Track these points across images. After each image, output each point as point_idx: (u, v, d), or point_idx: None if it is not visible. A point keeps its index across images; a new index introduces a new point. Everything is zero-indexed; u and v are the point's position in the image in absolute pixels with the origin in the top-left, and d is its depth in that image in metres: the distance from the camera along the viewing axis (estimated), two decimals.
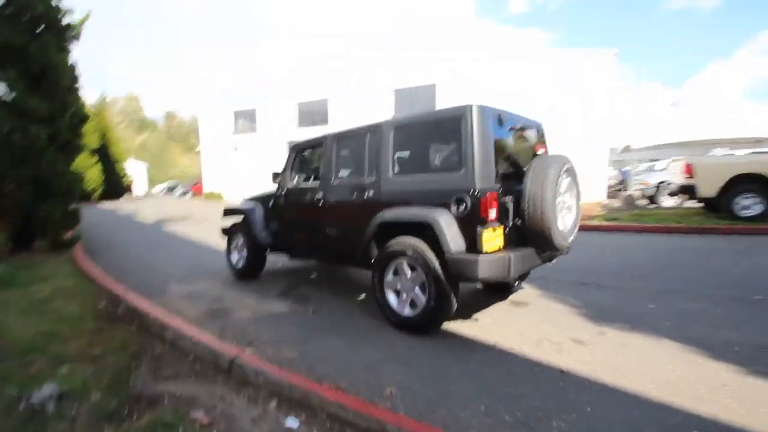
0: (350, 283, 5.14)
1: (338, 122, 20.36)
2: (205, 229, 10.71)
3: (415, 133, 3.48)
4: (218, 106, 26.12)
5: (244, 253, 5.35)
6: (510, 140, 3.41)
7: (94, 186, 24.79)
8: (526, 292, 4.46)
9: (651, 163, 15.75)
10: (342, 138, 4.13)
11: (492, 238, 2.95)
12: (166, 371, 2.90)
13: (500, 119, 3.23)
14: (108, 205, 22.97)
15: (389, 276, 3.48)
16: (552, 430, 2.08)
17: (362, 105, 20.04)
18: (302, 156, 4.75)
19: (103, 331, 3.53)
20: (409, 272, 3.34)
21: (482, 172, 2.99)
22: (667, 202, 12.80)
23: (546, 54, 16.96)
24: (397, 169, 3.53)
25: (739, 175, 7.90)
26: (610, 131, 16.41)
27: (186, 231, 10.50)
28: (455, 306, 3.26)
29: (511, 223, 3.13)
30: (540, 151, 3.72)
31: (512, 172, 3.35)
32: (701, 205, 9.56)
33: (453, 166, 3.16)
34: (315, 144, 4.56)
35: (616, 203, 14.32)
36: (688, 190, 8.79)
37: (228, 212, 5.78)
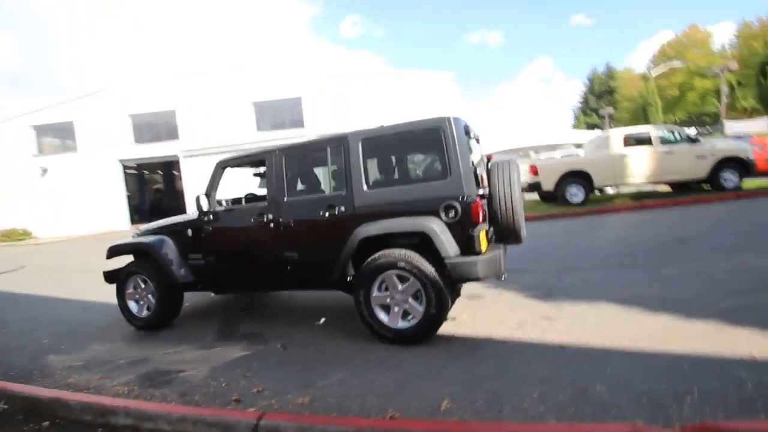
0: (292, 310, 4.70)
1: (191, 137, 18.20)
2: (48, 279, 8.22)
3: (386, 144, 3.44)
4: (15, 122, 20.25)
5: (151, 297, 4.35)
6: (471, 148, 3.69)
7: None
8: (471, 285, 4.85)
9: None
10: (292, 152, 3.77)
11: (484, 239, 3.15)
12: None
13: (466, 129, 3.48)
14: None
15: (375, 291, 3.35)
16: (600, 395, 2.35)
17: (219, 117, 18.38)
18: (235, 173, 4.13)
19: None
20: (399, 284, 3.27)
21: (467, 179, 3.17)
22: None
23: (397, 72, 18.61)
24: (371, 181, 3.43)
25: (568, 171, 10.34)
26: None
27: (28, 284, 7.85)
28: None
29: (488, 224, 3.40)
30: (493, 158, 4.13)
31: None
32: (539, 197, 11.97)
33: (437, 175, 3.25)
34: (252, 160, 4.04)
35: None
36: (535, 187, 10.93)
37: (115, 252, 4.60)
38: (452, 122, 3.20)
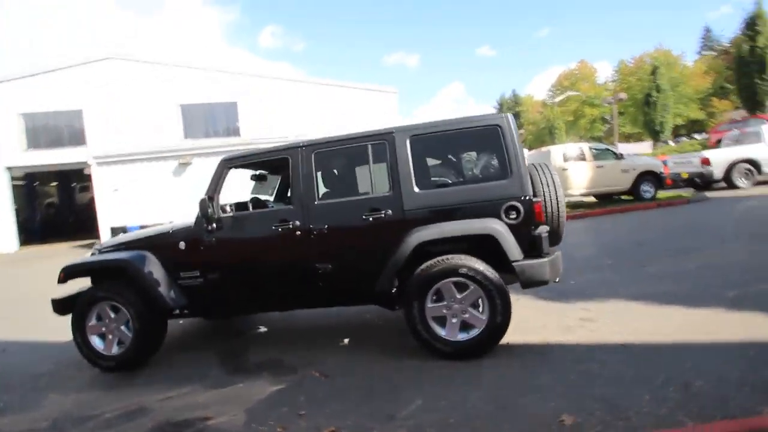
0: (297, 331, 4.14)
1: (103, 141, 15.85)
2: None
3: (437, 142, 3.19)
4: None
5: (125, 329, 3.48)
6: None
7: None
8: None
9: None
10: (323, 148, 3.31)
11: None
12: None
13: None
14: None
15: (429, 302, 3.04)
16: (705, 389, 2.31)
17: (138, 120, 16.32)
18: (259, 173, 3.51)
19: None
20: (457, 293, 3.02)
21: (526, 178, 3.05)
22: None
23: (342, 83, 18.38)
24: (422, 182, 3.13)
25: None
26: None
27: None
28: None
29: None
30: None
31: None
32: None
33: (496, 175, 3.08)
34: (269, 158, 3.47)
35: None
36: None
37: (73, 273, 3.64)
38: (510, 119, 3.09)
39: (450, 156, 3.25)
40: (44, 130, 16.34)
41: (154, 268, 3.46)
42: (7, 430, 2.70)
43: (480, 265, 2.94)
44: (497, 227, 2.94)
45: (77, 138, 16.33)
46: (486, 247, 3.06)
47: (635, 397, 2.32)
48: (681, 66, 42.86)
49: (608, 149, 11.85)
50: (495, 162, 3.12)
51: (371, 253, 3.17)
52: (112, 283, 3.51)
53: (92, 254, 3.85)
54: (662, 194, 11.74)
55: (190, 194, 14.16)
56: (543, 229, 3.03)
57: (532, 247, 3.01)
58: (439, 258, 3.01)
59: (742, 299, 3.62)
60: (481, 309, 3.00)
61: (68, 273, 3.60)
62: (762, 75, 18.89)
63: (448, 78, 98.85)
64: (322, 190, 3.30)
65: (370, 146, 3.22)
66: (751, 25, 19.72)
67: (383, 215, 3.11)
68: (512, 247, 2.92)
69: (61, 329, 5.09)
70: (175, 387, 3.07)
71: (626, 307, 3.78)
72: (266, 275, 3.37)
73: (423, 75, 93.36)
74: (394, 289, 3.14)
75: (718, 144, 17.56)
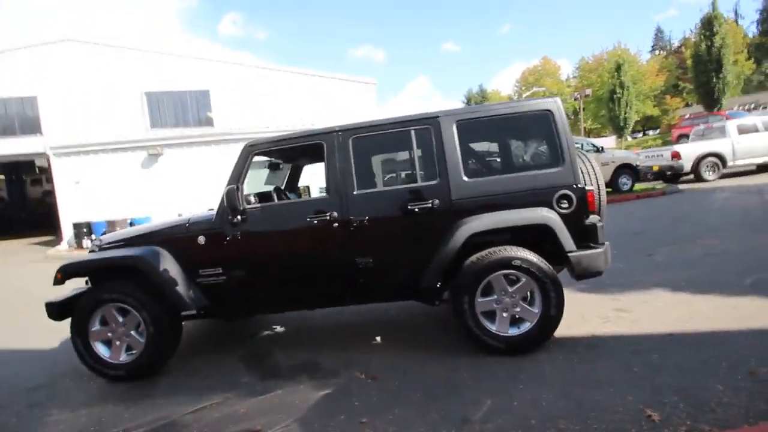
0: (321, 329, 3.89)
1: (61, 131, 14.57)
2: None
3: (484, 128, 3.01)
4: None
5: (135, 334, 3.13)
6: None
7: None
8: None
9: None
10: (360, 134, 3.06)
11: None
12: None
13: None
14: None
15: (479, 297, 2.90)
16: (759, 375, 2.32)
17: (99, 108, 15.13)
18: (271, 161, 3.20)
19: None
20: (508, 287, 2.89)
21: (578, 166, 2.96)
22: None
23: (319, 72, 17.83)
24: (470, 170, 2.96)
25: None
26: None
27: None
28: None
29: None
30: None
31: None
32: None
33: (548, 163, 2.96)
34: (299, 144, 3.17)
35: None
36: None
37: (73, 272, 3.22)
38: (560, 105, 2.97)
39: (499, 142, 3.10)
40: None
41: (170, 265, 3.11)
42: None
43: (533, 257, 2.83)
44: (552, 217, 2.83)
45: (32, 126, 14.88)
46: (533, 237, 2.96)
47: (709, 388, 2.28)
48: (637, 64, 45.04)
49: (589, 142, 12.17)
50: (545, 149, 3.00)
51: (416, 246, 2.98)
52: (119, 284, 3.12)
53: (90, 251, 3.42)
54: (637, 186, 12.23)
55: (164, 187, 13.39)
56: (595, 219, 2.95)
57: (583, 237, 2.93)
58: (490, 250, 2.87)
59: (761, 286, 3.72)
60: (532, 302, 2.90)
61: (67, 273, 3.18)
62: (718, 74, 20.10)
63: (414, 72, 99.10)
64: (361, 179, 3.06)
65: (413, 131, 3.02)
66: (708, 25, 20.90)
67: (430, 205, 2.92)
68: (567, 238, 2.82)
69: (37, 333, 4.60)
70: (204, 397, 2.77)
71: (655, 297, 3.80)
72: (299, 271, 3.11)
73: (390, 69, 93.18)
74: (439, 283, 2.98)
75: (679, 139, 18.60)
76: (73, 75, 15.26)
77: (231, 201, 2.94)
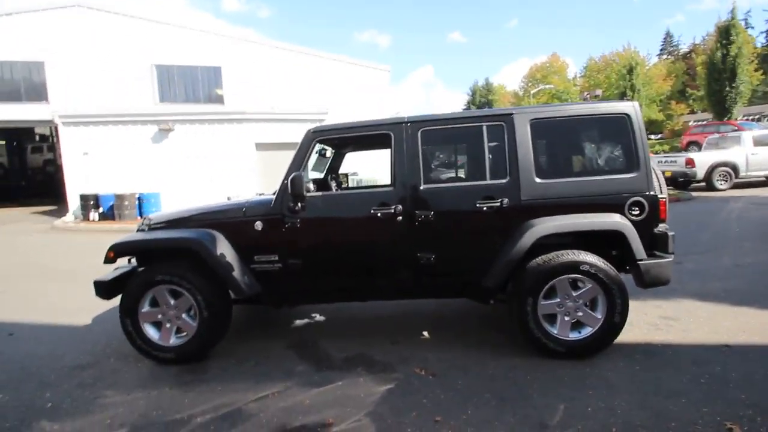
0: (359, 321, 3.85)
1: (68, 99, 14.22)
2: None
3: (559, 128, 2.95)
4: None
5: (187, 318, 3.08)
6: None
7: None
8: None
9: None
10: (429, 126, 2.98)
11: None
12: None
13: None
14: None
15: (541, 299, 2.87)
16: None
17: (107, 78, 14.77)
18: (335, 149, 3.10)
19: None
20: (572, 291, 2.87)
21: (652, 173, 2.91)
22: None
23: (333, 56, 17.51)
24: (541, 170, 2.90)
25: None
26: None
27: None
28: None
29: None
30: None
31: None
32: None
33: (622, 168, 2.91)
34: (365, 134, 3.09)
35: None
36: None
37: (126, 250, 3.17)
38: (638, 109, 2.91)
39: (573, 144, 3.04)
40: None
41: (226, 249, 3.04)
42: None
43: (601, 263, 2.80)
44: (626, 223, 2.79)
45: (38, 93, 14.46)
46: (600, 242, 2.93)
47: None
48: (646, 67, 44.84)
49: None
50: (621, 153, 2.95)
51: (481, 245, 2.94)
52: (173, 265, 3.05)
53: (139, 230, 3.33)
54: None
55: (174, 163, 13.19)
56: (665, 227, 2.92)
57: (651, 245, 2.90)
58: (557, 252, 2.83)
59: None
60: (595, 307, 2.88)
61: (119, 251, 3.10)
62: (732, 83, 20.07)
63: (418, 61, 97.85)
64: (428, 172, 2.99)
65: (485, 127, 2.94)
66: (725, 33, 20.77)
67: (499, 204, 2.87)
68: (639, 246, 2.79)
69: (64, 308, 4.54)
70: (262, 385, 2.74)
71: (698, 306, 3.81)
72: (358, 263, 3.06)
73: (394, 56, 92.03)
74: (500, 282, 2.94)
75: (688, 146, 18.64)
76: (82, 42, 14.83)
77: (297, 188, 2.86)
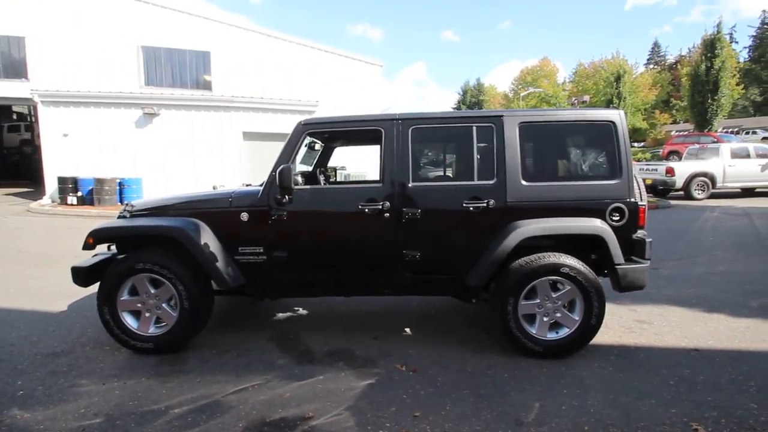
0: (339, 316, 3.86)
1: (49, 77, 13.74)
2: None
3: (546, 132, 3.00)
4: None
5: (167, 307, 3.04)
6: None
7: None
8: None
9: None
10: (420, 124, 2.99)
11: None
12: None
13: None
14: None
15: (522, 300, 2.93)
16: None
17: (90, 57, 14.33)
18: (324, 143, 3.08)
19: None
20: (552, 292, 2.94)
21: (633, 181, 2.99)
22: None
23: (326, 48, 17.33)
24: (527, 173, 2.95)
25: None
26: None
27: None
28: None
29: None
30: None
31: None
32: None
33: (605, 174, 2.98)
34: (355, 127, 3.08)
35: None
36: None
37: (106, 237, 3.09)
38: (623, 117, 2.98)
39: (559, 149, 3.10)
40: None
41: (210, 240, 3.01)
42: (50, 425, 2.23)
43: (580, 265, 2.87)
44: (606, 229, 2.87)
45: (17, 70, 13.91)
46: (579, 245, 3.00)
47: (744, 406, 2.40)
48: (633, 76, 45.72)
49: None
50: (604, 160, 3.02)
51: (466, 244, 2.98)
52: (155, 254, 3.00)
53: (120, 216, 3.27)
54: None
55: (157, 149, 12.91)
56: (643, 234, 3.01)
57: (629, 251, 2.98)
58: (538, 255, 2.89)
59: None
60: (573, 309, 2.95)
61: (99, 237, 3.03)
62: (713, 96, 20.66)
63: (411, 58, 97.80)
64: (417, 170, 3.01)
65: (475, 128, 2.97)
66: (710, 47, 21.35)
67: (485, 205, 2.91)
68: (617, 251, 2.87)
69: (39, 292, 4.42)
70: (242, 377, 2.73)
71: (670, 311, 3.93)
72: (343, 258, 3.06)
73: (387, 51, 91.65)
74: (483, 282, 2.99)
75: (669, 155, 19.15)
76: (65, 18, 14.32)
77: (285, 180, 2.85)
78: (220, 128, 13.03)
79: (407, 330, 3.52)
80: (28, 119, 19.47)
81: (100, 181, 11.74)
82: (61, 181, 11.94)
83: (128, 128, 12.62)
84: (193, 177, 12.54)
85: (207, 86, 15.59)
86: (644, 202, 3.01)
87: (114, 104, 12.48)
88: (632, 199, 2.96)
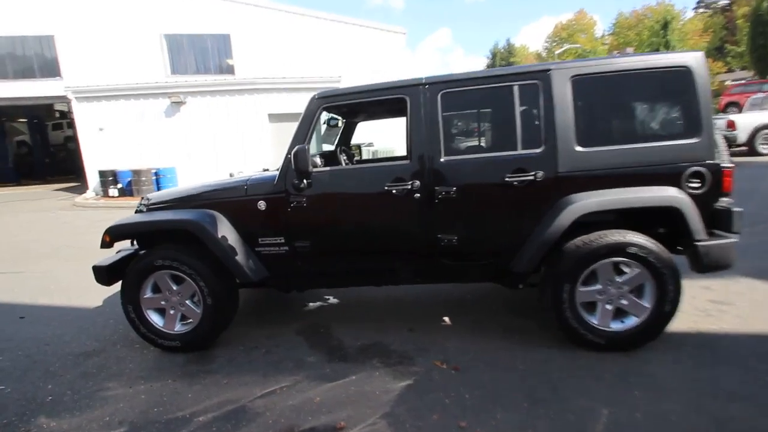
0: (366, 305, 3.60)
1: (80, 74, 14.06)
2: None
3: (605, 86, 2.50)
4: None
5: (191, 304, 2.88)
6: None
7: None
8: None
9: None
10: (451, 88, 2.58)
11: None
12: None
13: None
14: None
15: (579, 285, 2.53)
16: None
17: (117, 50, 14.51)
18: (343, 117, 2.76)
19: None
20: (616, 276, 2.52)
21: (715, 138, 2.47)
22: None
23: (345, 19, 16.68)
24: (583, 137, 2.49)
25: None
26: None
27: None
28: None
29: None
30: None
31: None
32: None
33: (680, 132, 2.47)
34: (377, 97, 2.72)
35: None
36: None
37: (123, 234, 2.95)
38: (703, 60, 2.44)
39: (620, 105, 2.58)
40: (10, 58, 14.21)
41: (228, 231, 2.79)
42: None
43: (651, 244, 2.42)
44: (684, 198, 2.39)
45: (51, 68, 14.32)
46: (649, 220, 2.54)
47: None
48: (681, 22, 41.56)
49: None
50: (679, 114, 2.50)
51: (511, 224, 2.59)
52: (173, 249, 2.82)
53: (137, 211, 3.11)
54: None
55: (187, 137, 13.01)
56: (730, 202, 2.50)
57: (711, 223, 2.49)
58: (599, 233, 2.46)
59: None
60: (642, 295, 2.53)
61: (115, 234, 2.89)
62: None
63: (434, 25, 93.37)
64: (450, 142, 2.61)
65: (516, 87, 2.52)
66: None
67: (532, 177, 2.49)
68: (698, 224, 2.39)
69: (77, 289, 4.45)
70: (270, 378, 2.54)
71: (751, 288, 3.41)
72: (372, 245, 2.76)
73: (409, 19, 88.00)
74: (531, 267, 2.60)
75: (726, 107, 17.27)
76: (89, 13, 14.45)
77: (301, 163, 2.55)
78: (245, 112, 12.92)
79: (445, 320, 3.21)
80: (69, 116, 20.26)
81: (137, 173, 12.02)
82: (102, 174, 12.33)
83: (158, 118, 12.77)
84: (224, 162, 12.59)
85: (230, 70, 15.45)
86: (730, 164, 2.48)
87: (143, 95, 12.60)
88: (715, 161, 2.44)
